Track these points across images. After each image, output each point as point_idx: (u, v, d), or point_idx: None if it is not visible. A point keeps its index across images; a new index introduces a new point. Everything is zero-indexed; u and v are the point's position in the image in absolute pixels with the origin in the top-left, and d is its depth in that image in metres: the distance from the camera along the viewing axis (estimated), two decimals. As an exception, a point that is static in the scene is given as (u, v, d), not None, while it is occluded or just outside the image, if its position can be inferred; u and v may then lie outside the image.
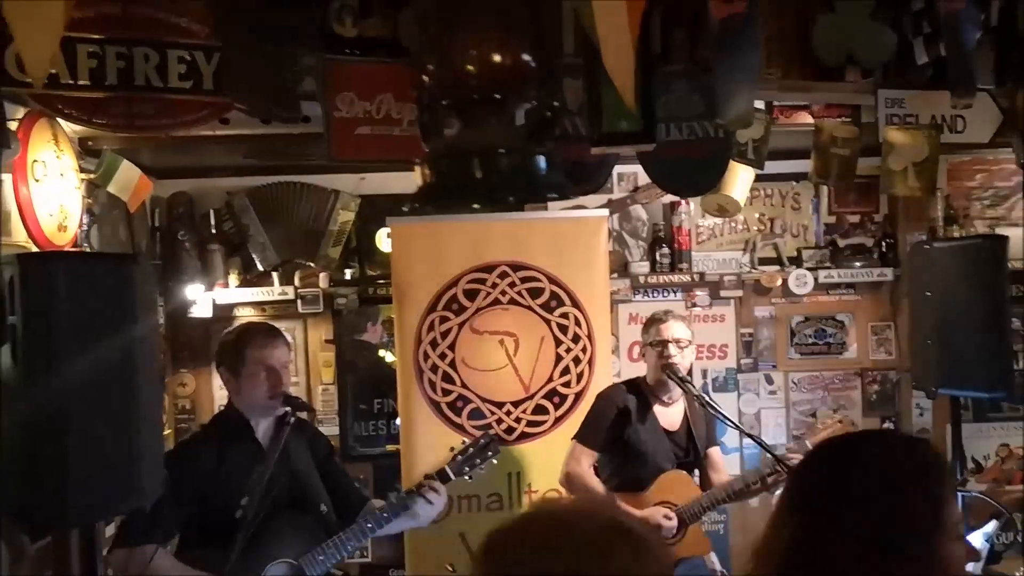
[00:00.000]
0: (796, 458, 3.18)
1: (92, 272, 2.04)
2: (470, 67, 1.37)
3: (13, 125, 2.87)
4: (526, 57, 1.37)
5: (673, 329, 3.42)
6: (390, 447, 4.51)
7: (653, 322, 3.49)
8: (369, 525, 2.89)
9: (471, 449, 3.10)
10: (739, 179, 3.73)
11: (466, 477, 3.08)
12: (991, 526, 2.87)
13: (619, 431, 3.44)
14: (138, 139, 3.40)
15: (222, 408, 3.01)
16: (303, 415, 2.77)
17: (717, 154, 2.64)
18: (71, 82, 2.39)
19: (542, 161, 1.45)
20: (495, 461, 3.14)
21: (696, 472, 3.55)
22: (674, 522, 3.31)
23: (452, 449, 3.14)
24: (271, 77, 2.28)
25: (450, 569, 3.66)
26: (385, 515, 2.91)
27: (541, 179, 1.49)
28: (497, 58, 1.36)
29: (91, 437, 1.94)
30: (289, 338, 3.07)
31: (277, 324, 3.35)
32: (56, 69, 2.31)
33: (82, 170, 3.40)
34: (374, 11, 2.32)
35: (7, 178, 2.94)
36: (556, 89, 1.37)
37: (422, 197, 1.66)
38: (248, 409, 2.83)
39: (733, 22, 1.80)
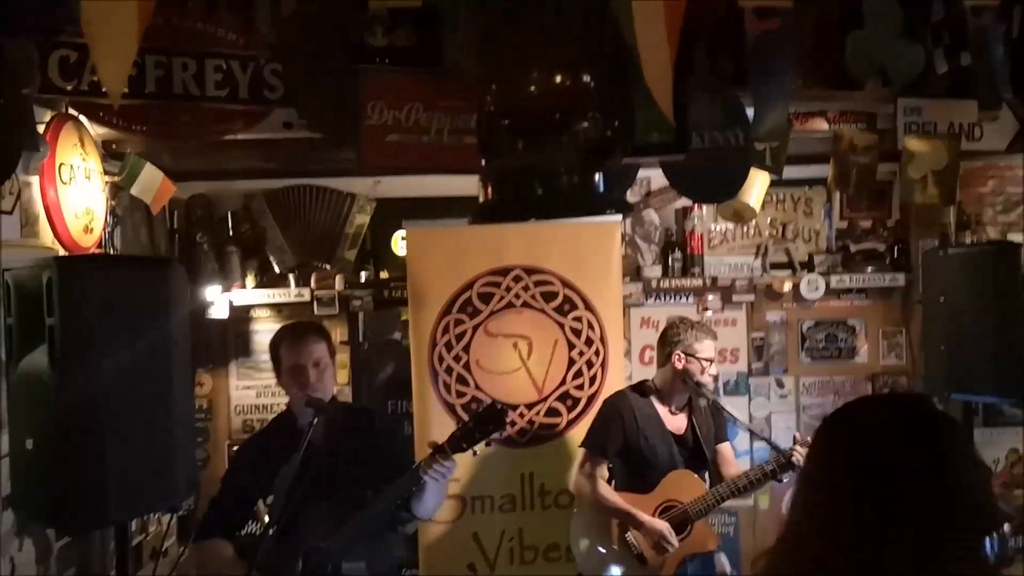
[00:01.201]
0: (800, 455, 3.21)
1: (128, 275, 2.09)
2: (532, 89, 1.40)
3: (41, 128, 2.92)
4: (586, 78, 1.41)
5: (707, 349, 3.40)
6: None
7: (686, 332, 3.44)
8: (379, 506, 2.87)
9: (470, 423, 2.83)
10: (755, 185, 3.75)
11: (471, 453, 2.81)
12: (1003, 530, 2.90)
13: (627, 436, 3.46)
14: (161, 142, 3.45)
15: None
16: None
17: (738, 162, 2.67)
18: (110, 89, 2.42)
19: (601, 178, 1.49)
20: (500, 434, 2.86)
21: (705, 473, 3.59)
22: (673, 539, 3.34)
23: (457, 422, 3.08)
24: (336, 98, 2.31)
25: (471, 571, 3.70)
26: (399, 487, 2.78)
27: (600, 196, 1.53)
28: (558, 80, 1.40)
29: (127, 437, 1.98)
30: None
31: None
32: (97, 77, 2.36)
33: (106, 173, 3.44)
34: (403, 22, 2.35)
35: (35, 180, 2.99)
36: (615, 108, 1.41)
37: (484, 214, 1.70)
38: (293, 407, 2.91)
39: (767, 38, 1.82)
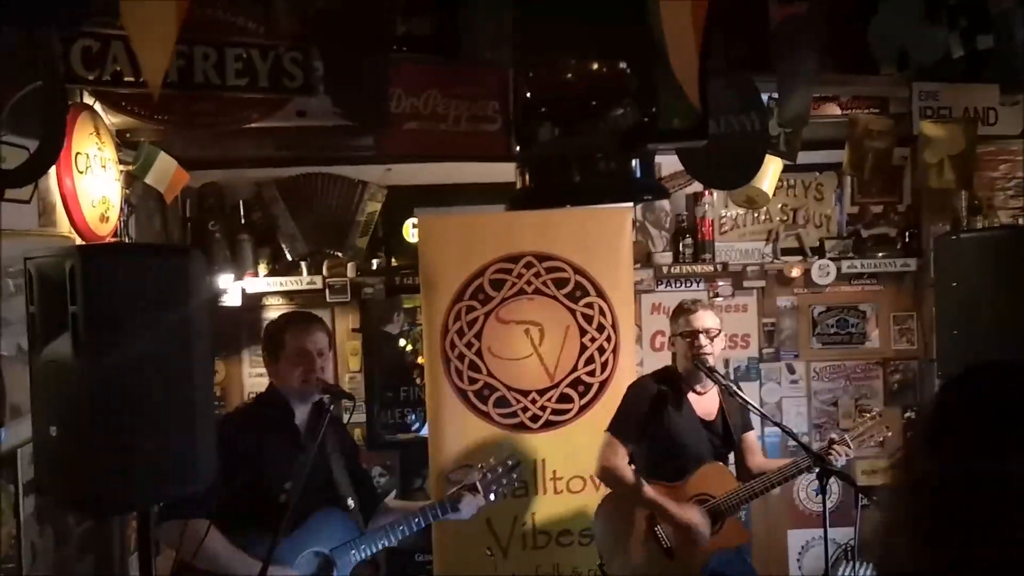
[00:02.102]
0: (837, 453, 3.23)
1: (149, 263, 2.09)
2: (569, 75, 1.41)
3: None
4: (622, 65, 1.42)
5: (703, 319, 3.44)
6: (416, 435, 4.60)
7: (682, 312, 3.50)
8: (402, 528, 2.98)
9: (499, 469, 3.23)
10: (769, 171, 3.75)
11: (491, 497, 3.19)
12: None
13: (655, 422, 3.45)
14: (182, 131, 3.45)
15: (263, 391, 3.07)
16: (347, 403, 2.81)
17: (753, 148, 2.66)
18: (133, 79, 2.43)
19: (638, 164, 1.51)
20: (515, 486, 3.36)
21: (731, 459, 3.59)
22: (707, 530, 3.34)
23: (481, 467, 3.26)
24: (367, 85, 2.32)
25: (490, 554, 3.73)
26: (427, 515, 3.04)
27: (637, 182, 1.54)
28: (595, 66, 1.41)
29: (151, 423, 1.99)
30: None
31: (304, 313, 3.40)
32: (120, 67, 2.37)
33: (120, 162, 3.45)
34: (421, 10, 2.35)
35: (52, 170, 3.00)
36: (652, 94, 1.42)
37: (522, 199, 1.71)
38: (285, 393, 2.92)
39: (793, 23, 1.82)
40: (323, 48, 2.35)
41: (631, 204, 4.26)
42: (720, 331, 3.49)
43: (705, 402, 3.54)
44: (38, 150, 2.22)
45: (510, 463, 3.26)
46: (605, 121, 1.44)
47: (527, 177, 1.55)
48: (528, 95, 1.50)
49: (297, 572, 2.78)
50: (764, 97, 2.68)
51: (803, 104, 2.16)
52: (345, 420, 2.91)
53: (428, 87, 2.52)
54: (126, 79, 2.41)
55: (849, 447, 3.27)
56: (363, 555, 2.90)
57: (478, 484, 3.13)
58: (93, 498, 2.04)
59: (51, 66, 2.09)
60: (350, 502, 2.93)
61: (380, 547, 2.94)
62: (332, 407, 2.78)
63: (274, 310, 4.48)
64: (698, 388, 3.52)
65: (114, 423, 1.96)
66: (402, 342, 4.69)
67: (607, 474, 3.48)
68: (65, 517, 3.06)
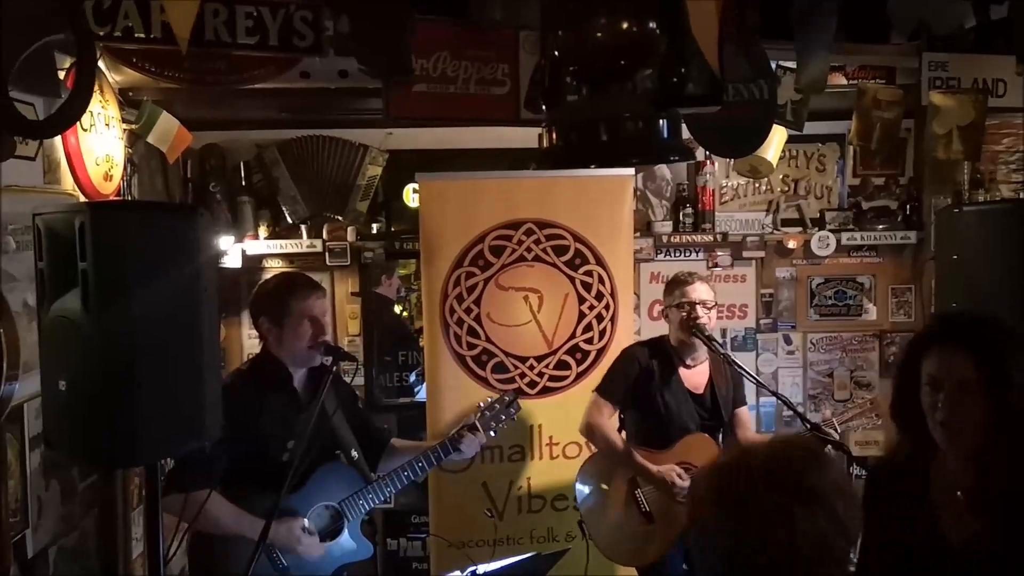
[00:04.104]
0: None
1: (158, 221, 2.09)
2: (598, 34, 1.41)
3: (61, 75, 2.90)
4: (652, 24, 1.42)
5: (700, 291, 3.47)
6: (412, 398, 4.63)
7: (678, 284, 3.52)
8: (406, 473, 3.01)
9: (497, 406, 3.26)
10: (774, 140, 3.74)
11: (491, 433, 3.26)
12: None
13: (643, 390, 3.51)
14: (174, 90, 3.43)
15: (257, 355, 3.02)
16: (348, 365, 2.83)
17: (761, 116, 2.66)
18: (143, 36, 2.41)
19: (665, 125, 1.51)
20: (514, 419, 3.34)
21: (720, 434, 3.63)
22: (687, 481, 3.38)
23: (480, 405, 3.30)
24: (392, 39, 2.29)
25: (489, 515, 3.78)
26: (430, 457, 3.07)
27: (664, 142, 1.54)
28: (624, 26, 1.41)
29: (159, 378, 2.00)
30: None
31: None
32: (131, 23, 2.35)
33: (123, 121, 3.43)
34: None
35: (56, 127, 2.98)
36: (681, 55, 1.42)
37: (548, 159, 1.70)
38: (287, 357, 2.88)
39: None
40: (345, 2, 2.32)
41: (632, 172, 4.25)
42: (716, 303, 3.52)
43: (694, 375, 3.58)
44: (68, 100, 2.20)
45: (507, 399, 3.32)
46: (633, 81, 1.44)
47: (554, 136, 1.55)
48: (556, 53, 1.50)
49: (307, 521, 2.82)
50: (772, 65, 2.68)
51: (821, 70, 2.15)
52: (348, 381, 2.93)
53: (438, 49, 2.50)
54: (137, 35, 2.39)
55: (836, 430, 3.32)
56: (371, 503, 2.94)
57: (477, 423, 3.19)
58: (101, 451, 2.05)
59: (80, 19, 2.06)
60: (354, 453, 2.96)
61: (388, 494, 2.99)
62: (334, 367, 2.79)
63: (274, 272, 4.48)
64: (688, 361, 3.55)
65: (123, 377, 1.97)
66: (397, 308, 4.69)
67: (591, 431, 3.56)
68: (70, 471, 3.09)
